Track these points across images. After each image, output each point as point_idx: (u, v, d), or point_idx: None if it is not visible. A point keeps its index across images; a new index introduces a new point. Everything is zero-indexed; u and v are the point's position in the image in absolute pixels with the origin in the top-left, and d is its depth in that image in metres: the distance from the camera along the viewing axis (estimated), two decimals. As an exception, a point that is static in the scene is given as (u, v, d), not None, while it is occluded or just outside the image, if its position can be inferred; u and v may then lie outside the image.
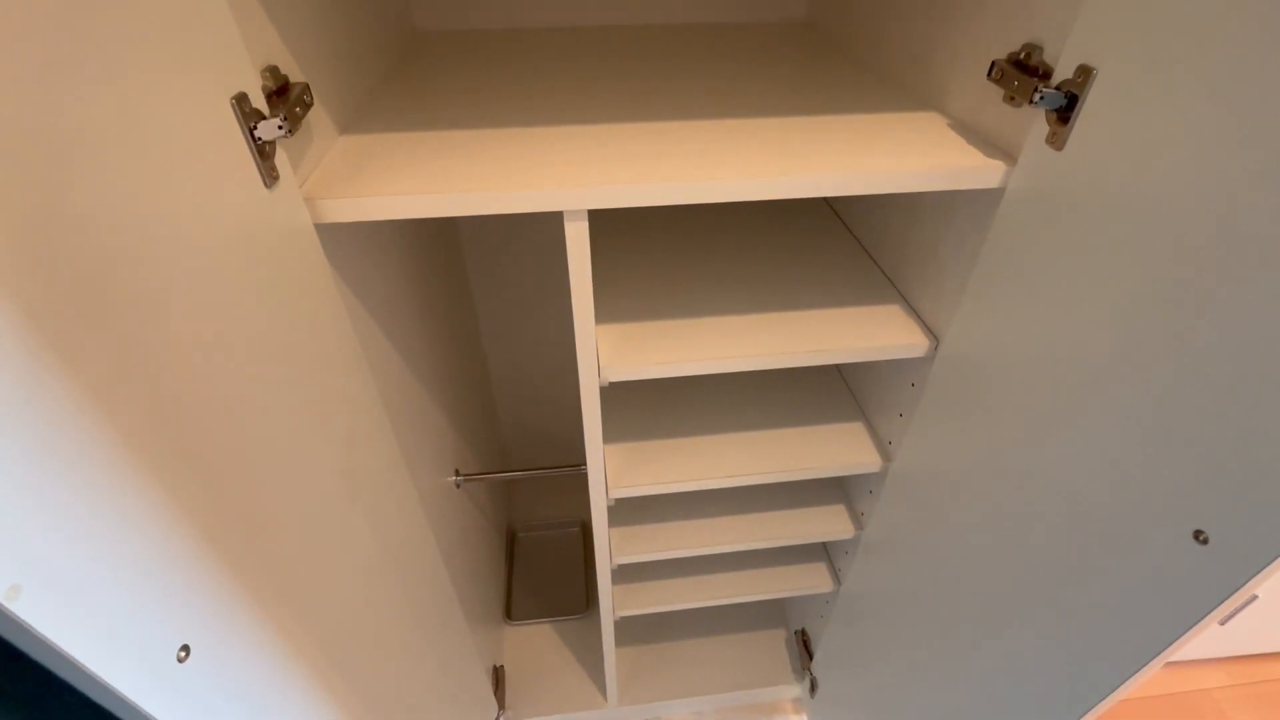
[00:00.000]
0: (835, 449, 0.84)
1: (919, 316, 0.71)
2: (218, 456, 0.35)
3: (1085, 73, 0.44)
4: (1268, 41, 0.33)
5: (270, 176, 0.42)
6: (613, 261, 0.82)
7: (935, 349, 0.68)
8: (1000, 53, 0.55)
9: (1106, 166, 0.44)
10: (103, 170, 0.28)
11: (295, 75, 0.49)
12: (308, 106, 0.48)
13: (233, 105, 0.38)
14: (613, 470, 0.82)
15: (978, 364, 0.60)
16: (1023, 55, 0.52)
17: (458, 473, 0.99)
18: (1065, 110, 0.47)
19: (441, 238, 1.03)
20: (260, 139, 0.41)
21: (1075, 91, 0.45)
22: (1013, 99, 0.52)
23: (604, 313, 0.73)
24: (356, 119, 0.62)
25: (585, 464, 0.76)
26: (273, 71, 0.45)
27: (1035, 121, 0.50)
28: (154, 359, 0.30)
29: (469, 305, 1.27)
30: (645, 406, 0.91)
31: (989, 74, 0.54)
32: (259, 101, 0.41)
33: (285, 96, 0.45)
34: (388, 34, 0.79)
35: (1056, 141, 0.48)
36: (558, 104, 0.66)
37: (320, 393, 0.49)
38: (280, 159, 0.44)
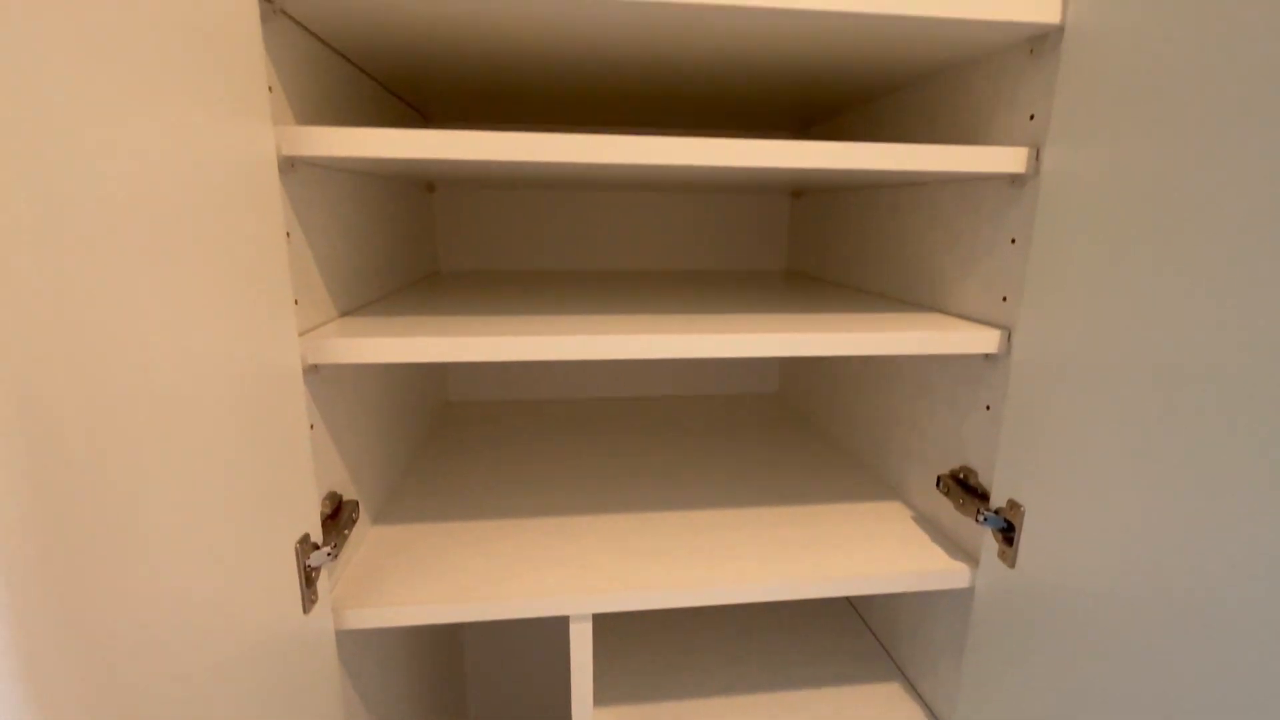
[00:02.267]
0: None
1: (922, 700, 0.70)
2: None
3: (1015, 507, 0.53)
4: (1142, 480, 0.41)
5: (310, 602, 0.47)
6: (610, 630, 0.83)
7: (945, 741, 0.65)
8: (943, 467, 0.65)
9: (1054, 584, 0.49)
10: (164, 587, 0.32)
11: (349, 494, 0.57)
12: (354, 523, 0.55)
13: (296, 548, 0.45)
14: None
15: (991, 771, 0.57)
16: (961, 475, 0.62)
17: None
18: (1008, 532, 0.54)
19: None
20: (310, 567, 0.46)
21: (1012, 521, 0.53)
22: (961, 510, 0.61)
23: (601, 693, 0.71)
24: (389, 505, 0.70)
25: None
26: (332, 497, 0.53)
27: (987, 531, 0.57)
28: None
29: (461, 667, 1.22)
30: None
31: (937, 485, 0.64)
32: (317, 534, 0.48)
33: (338, 518, 0.53)
34: (426, 411, 0.93)
35: (1007, 559, 0.54)
36: (565, 484, 0.75)
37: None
38: (321, 578, 0.49)
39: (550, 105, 0.87)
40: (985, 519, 0.55)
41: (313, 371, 0.49)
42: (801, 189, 1.03)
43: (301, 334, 0.48)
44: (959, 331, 0.55)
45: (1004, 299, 0.56)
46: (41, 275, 0.24)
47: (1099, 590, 0.45)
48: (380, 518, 0.67)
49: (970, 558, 0.60)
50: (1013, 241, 0.55)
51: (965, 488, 0.60)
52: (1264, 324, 0.34)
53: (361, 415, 0.62)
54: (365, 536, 0.63)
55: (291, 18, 0.49)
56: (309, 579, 0.46)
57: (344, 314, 0.59)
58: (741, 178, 0.65)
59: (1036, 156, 0.51)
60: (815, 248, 1.03)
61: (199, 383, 0.33)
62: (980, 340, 0.55)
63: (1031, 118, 0.52)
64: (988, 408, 0.58)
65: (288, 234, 0.46)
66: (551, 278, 0.96)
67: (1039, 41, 0.51)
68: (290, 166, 0.47)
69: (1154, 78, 0.41)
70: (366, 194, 0.68)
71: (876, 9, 0.47)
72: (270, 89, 0.44)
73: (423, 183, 0.97)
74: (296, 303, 0.48)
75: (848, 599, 0.89)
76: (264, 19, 0.43)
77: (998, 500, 0.56)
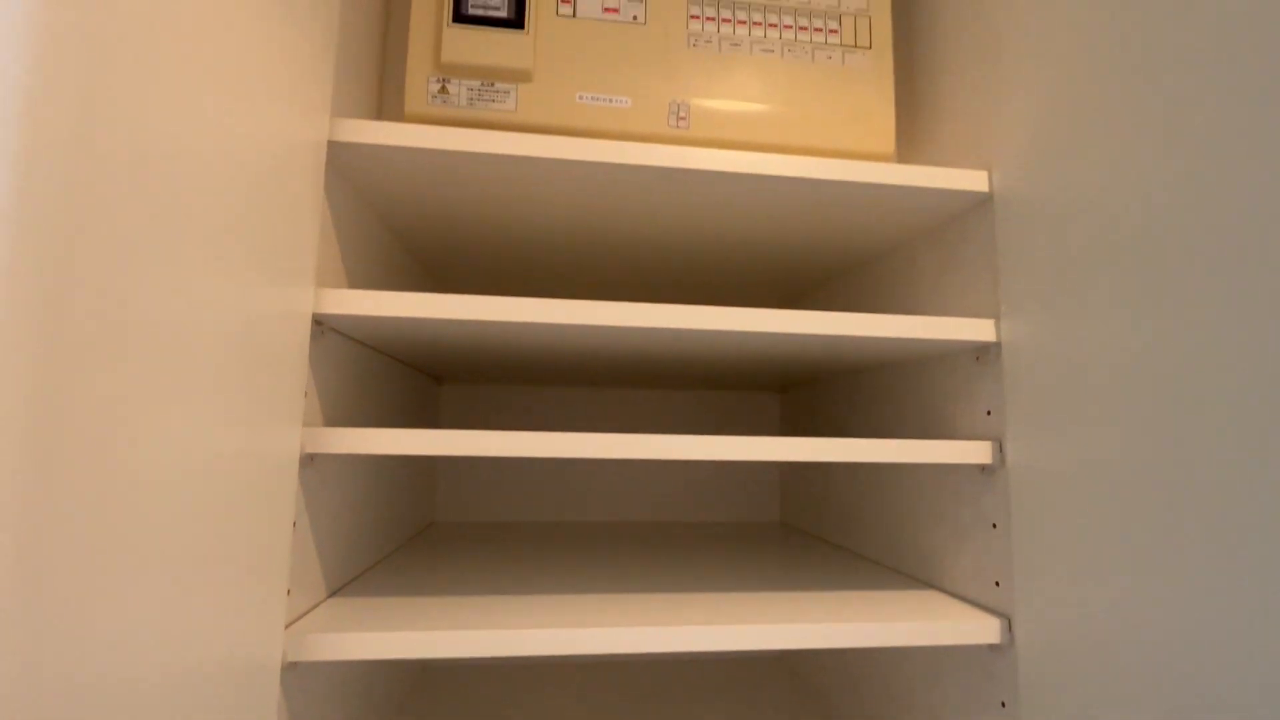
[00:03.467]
0: None
1: None
2: None
3: (1055, 839, 0.47)
4: None
5: None
6: None
7: None
8: (968, 773, 0.59)
9: None
10: None
11: (302, 812, 0.50)
12: None
13: None
14: None
15: None
16: (990, 786, 0.55)
17: None
18: None
19: None
20: None
21: None
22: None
23: None
24: (343, 816, 0.61)
25: None
26: (282, 819, 0.47)
27: None
28: None
29: None
30: None
31: (965, 798, 0.57)
32: None
33: None
34: (400, 681, 0.86)
35: None
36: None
37: None
38: None
39: (547, 370, 0.96)
40: None
41: (291, 669, 0.47)
42: (789, 445, 1.08)
43: (288, 625, 0.47)
44: (955, 622, 0.54)
45: (997, 584, 0.56)
46: (67, 546, 0.25)
47: None
48: (332, 836, 0.58)
49: None
50: (994, 526, 0.57)
51: (996, 804, 0.54)
52: (1239, 605, 0.34)
53: (331, 712, 0.57)
54: None
55: (337, 331, 0.57)
56: None
57: (335, 591, 0.58)
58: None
59: (1000, 449, 0.56)
60: (806, 503, 1.04)
61: (168, 687, 0.32)
62: (978, 631, 0.54)
63: (989, 413, 0.58)
64: (1003, 704, 0.54)
65: (294, 523, 0.48)
66: (545, 533, 0.96)
67: (983, 351, 0.59)
68: (310, 461, 0.50)
69: (1081, 386, 0.47)
70: (374, 465, 0.71)
71: (830, 331, 0.55)
72: (305, 394, 0.49)
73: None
74: (289, 593, 0.48)
75: None
76: (313, 338, 0.51)
77: (1034, 826, 0.49)
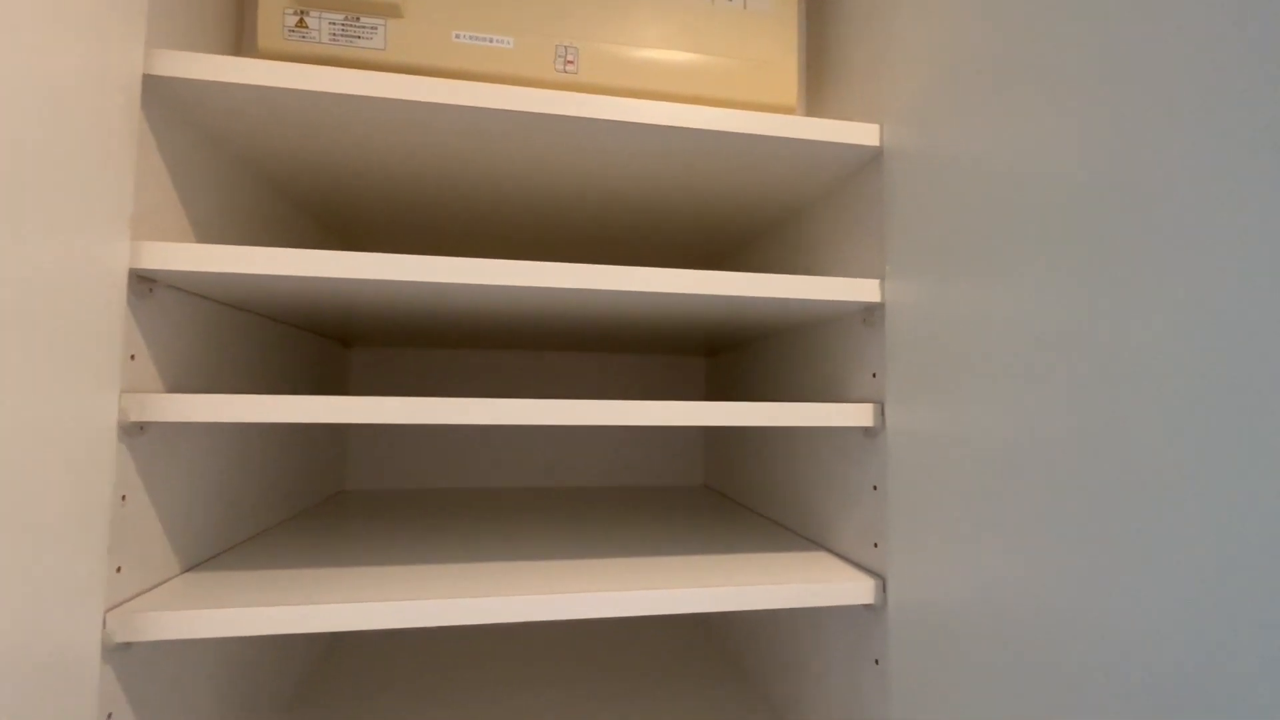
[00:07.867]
0: None
1: None
2: None
3: (912, 790, 0.48)
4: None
5: None
6: None
7: None
8: (848, 727, 0.60)
9: None
10: None
11: None
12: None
13: None
14: None
15: None
16: (864, 740, 0.57)
17: None
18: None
19: None
20: None
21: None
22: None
23: None
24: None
25: None
26: (121, 805, 0.45)
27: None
28: None
29: None
30: None
31: (842, 751, 0.58)
32: None
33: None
34: (285, 672, 0.83)
35: None
36: None
37: None
38: None
39: (457, 332, 0.92)
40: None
41: (122, 650, 0.44)
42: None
43: (118, 605, 0.44)
44: (832, 584, 0.54)
45: (875, 545, 0.56)
46: None
47: None
48: (201, 814, 0.56)
49: None
50: (875, 489, 0.56)
51: (868, 757, 0.55)
52: (1098, 563, 0.34)
53: (196, 695, 0.54)
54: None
55: (178, 289, 0.52)
56: None
57: (193, 566, 0.55)
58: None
59: (882, 412, 0.55)
60: (726, 467, 1.05)
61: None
62: (854, 592, 0.54)
63: (874, 376, 0.57)
64: (876, 661, 0.55)
65: (123, 497, 0.44)
66: (461, 500, 0.94)
67: (869, 313, 0.58)
68: (140, 430, 0.46)
69: (956, 351, 0.46)
70: (255, 432, 0.67)
71: (708, 290, 0.53)
72: (133, 358, 0.45)
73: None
74: (120, 570, 0.44)
75: None
76: (139, 296, 0.46)
77: (897, 777, 0.50)
